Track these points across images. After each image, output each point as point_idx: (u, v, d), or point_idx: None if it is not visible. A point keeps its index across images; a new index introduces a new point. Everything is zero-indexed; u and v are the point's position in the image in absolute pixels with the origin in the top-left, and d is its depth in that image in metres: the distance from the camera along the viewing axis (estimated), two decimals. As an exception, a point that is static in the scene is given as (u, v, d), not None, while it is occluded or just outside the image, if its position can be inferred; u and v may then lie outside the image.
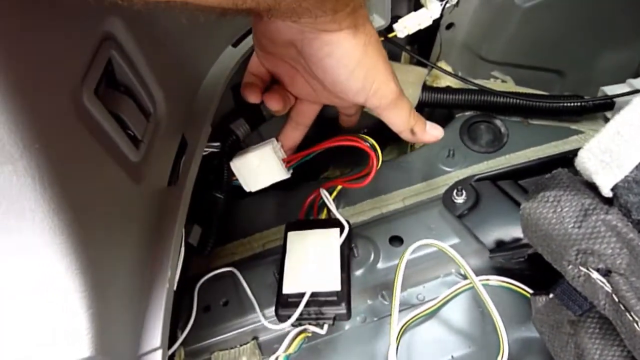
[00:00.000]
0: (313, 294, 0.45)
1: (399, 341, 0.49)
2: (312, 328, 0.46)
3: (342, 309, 0.45)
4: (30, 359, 0.30)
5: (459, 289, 0.52)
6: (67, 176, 0.29)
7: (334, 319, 0.45)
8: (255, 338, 0.52)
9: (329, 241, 0.49)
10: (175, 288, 0.44)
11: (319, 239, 0.50)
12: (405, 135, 0.43)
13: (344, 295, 0.46)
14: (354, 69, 0.37)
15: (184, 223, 0.42)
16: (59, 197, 0.28)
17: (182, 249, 0.44)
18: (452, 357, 0.49)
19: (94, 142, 0.32)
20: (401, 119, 0.41)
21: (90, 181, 0.33)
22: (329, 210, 0.55)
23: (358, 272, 0.53)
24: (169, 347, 0.43)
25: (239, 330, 0.51)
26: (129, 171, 0.36)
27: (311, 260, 0.48)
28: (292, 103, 0.47)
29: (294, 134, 0.50)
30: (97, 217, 0.33)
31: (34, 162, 0.26)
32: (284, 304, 0.46)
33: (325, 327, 0.46)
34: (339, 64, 0.36)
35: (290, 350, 0.46)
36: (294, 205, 0.59)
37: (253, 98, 0.43)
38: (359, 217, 0.59)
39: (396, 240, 0.55)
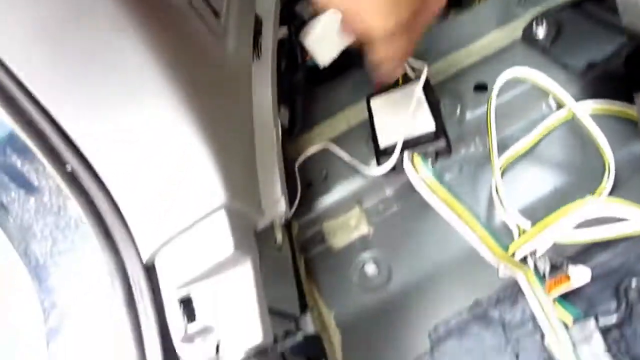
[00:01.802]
0: (410, 140, 0.46)
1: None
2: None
3: (441, 143, 0.46)
4: (177, 208, 0.34)
5: (555, 121, 0.51)
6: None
7: (437, 155, 0.47)
8: (359, 202, 0.54)
9: (412, 92, 0.50)
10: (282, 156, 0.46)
11: (402, 94, 0.51)
12: None
13: (441, 131, 0.47)
14: None
15: (276, 93, 0.43)
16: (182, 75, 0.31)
17: (279, 122, 0.46)
18: (554, 187, 0.49)
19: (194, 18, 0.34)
20: None
21: (195, 56, 0.35)
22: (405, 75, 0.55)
23: (448, 125, 0.53)
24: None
25: (343, 197, 0.53)
26: (215, 40, 0.38)
27: (400, 113, 0.49)
28: None
29: None
30: (207, 90, 0.35)
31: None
32: (384, 153, 0.47)
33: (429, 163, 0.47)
34: None
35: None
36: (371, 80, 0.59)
37: None
38: (437, 77, 0.59)
39: (481, 88, 0.54)
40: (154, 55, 0.32)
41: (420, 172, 0.33)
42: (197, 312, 0.34)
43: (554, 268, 0.39)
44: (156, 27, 0.33)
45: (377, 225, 0.53)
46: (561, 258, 0.38)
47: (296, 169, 0.54)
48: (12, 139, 0.42)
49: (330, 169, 0.55)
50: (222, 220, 0.34)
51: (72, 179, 0.34)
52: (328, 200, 0.54)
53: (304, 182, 0.55)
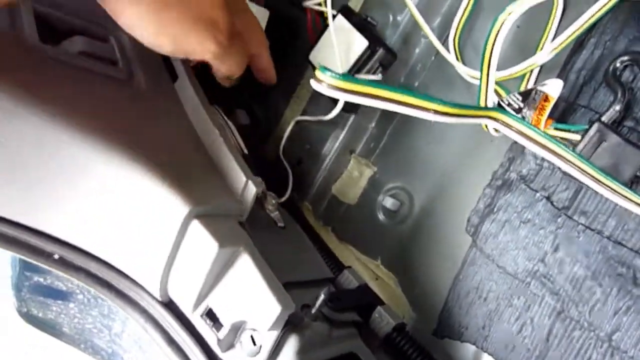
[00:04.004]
0: (353, 67, 0.46)
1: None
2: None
3: (379, 52, 0.47)
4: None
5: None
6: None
7: (383, 66, 0.48)
8: (352, 152, 0.54)
9: (333, 27, 0.49)
10: (246, 151, 0.47)
11: (327, 35, 0.51)
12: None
13: (376, 42, 0.47)
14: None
15: (205, 99, 0.44)
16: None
17: (226, 121, 0.47)
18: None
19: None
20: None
21: (109, 110, 0.38)
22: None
23: (389, 33, 0.52)
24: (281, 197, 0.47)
25: (334, 155, 0.53)
26: (125, 85, 0.40)
27: (335, 51, 0.49)
28: None
29: None
30: (133, 129, 0.38)
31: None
32: None
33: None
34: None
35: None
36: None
37: None
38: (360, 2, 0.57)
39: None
40: (72, 132, 0.35)
41: (324, 80, 0.31)
42: (220, 318, 0.35)
43: (526, 96, 0.36)
44: (64, 107, 0.35)
45: (378, 162, 0.52)
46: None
47: (281, 155, 0.54)
48: (23, 262, 0.46)
49: (311, 139, 0.55)
50: (197, 228, 0.35)
51: (65, 263, 0.37)
52: (323, 166, 0.54)
53: (293, 162, 0.55)
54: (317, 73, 0.31)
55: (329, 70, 0.31)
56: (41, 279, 0.48)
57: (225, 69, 0.42)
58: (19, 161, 0.35)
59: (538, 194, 0.38)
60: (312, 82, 0.32)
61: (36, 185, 0.36)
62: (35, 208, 0.36)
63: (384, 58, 0.47)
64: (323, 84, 0.32)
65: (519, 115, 0.35)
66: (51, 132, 0.34)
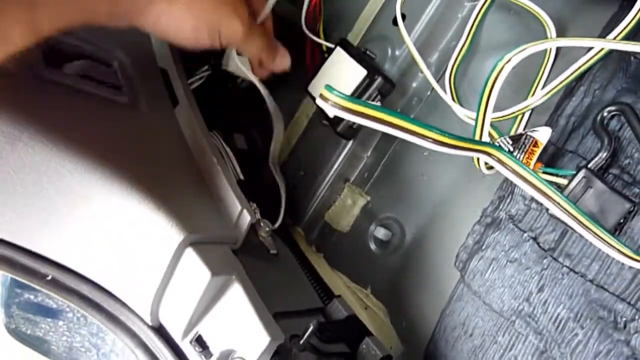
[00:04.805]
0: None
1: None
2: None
3: (378, 80, 0.48)
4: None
5: (481, 8, 0.50)
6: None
7: (382, 95, 0.49)
8: (346, 180, 0.54)
9: (332, 58, 0.51)
10: (242, 177, 0.48)
11: (326, 66, 0.52)
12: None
13: (374, 72, 0.49)
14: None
15: (204, 125, 0.45)
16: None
17: (223, 146, 0.48)
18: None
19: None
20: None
21: (112, 136, 0.38)
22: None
23: (388, 66, 0.53)
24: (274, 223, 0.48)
25: (329, 183, 0.54)
26: (128, 109, 0.41)
27: (333, 81, 0.50)
28: None
29: None
30: (133, 154, 0.38)
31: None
32: (338, 123, 0.50)
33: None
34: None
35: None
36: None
37: None
38: (359, 37, 0.58)
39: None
40: (73, 160, 0.36)
41: (330, 99, 0.32)
42: (210, 346, 0.35)
43: (516, 140, 0.37)
44: (65, 133, 0.36)
45: (371, 192, 0.53)
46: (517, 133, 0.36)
47: (277, 177, 0.55)
48: (13, 279, 0.46)
49: (306, 166, 0.56)
50: (191, 256, 0.36)
51: (57, 284, 0.37)
52: (317, 193, 0.55)
53: (287, 188, 0.56)
54: (324, 91, 0.32)
55: (335, 90, 0.32)
56: (32, 296, 0.48)
57: (256, 47, 0.44)
58: (19, 185, 0.36)
59: (525, 234, 0.39)
60: (319, 100, 0.33)
61: (34, 208, 0.37)
62: (32, 230, 0.37)
63: (382, 87, 0.49)
64: (329, 102, 0.33)
65: (510, 157, 0.37)
66: (53, 159, 0.35)
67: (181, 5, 0.36)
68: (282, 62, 0.48)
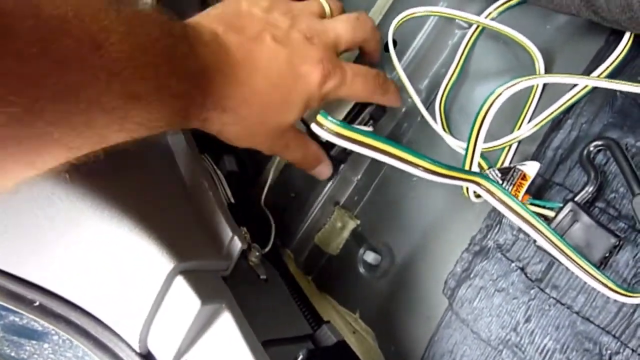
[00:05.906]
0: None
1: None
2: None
3: (368, 106, 0.49)
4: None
5: (471, 36, 0.51)
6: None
7: (374, 119, 0.50)
8: (336, 203, 0.55)
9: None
10: (232, 200, 0.48)
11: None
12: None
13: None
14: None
15: (196, 151, 0.45)
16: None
17: (219, 173, 0.48)
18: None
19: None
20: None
21: None
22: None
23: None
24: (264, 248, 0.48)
25: (319, 206, 0.54)
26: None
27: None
28: None
29: None
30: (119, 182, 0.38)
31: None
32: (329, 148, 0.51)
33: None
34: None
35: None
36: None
37: None
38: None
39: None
40: (62, 187, 0.35)
41: (325, 125, 0.33)
42: (197, 375, 0.35)
43: (505, 172, 0.38)
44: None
45: (361, 215, 0.53)
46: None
47: (262, 204, 0.55)
48: (-1, 302, 0.45)
49: (297, 188, 0.56)
50: (181, 284, 0.35)
51: (44, 310, 0.37)
52: (307, 216, 0.55)
53: (278, 210, 0.56)
54: (319, 118, 0.33)
55: (330, 116, 0.33)
56: (17, 319, 0.48)
57: (357, 87, 0.46)
58: (8, 212, 0.36)
59: (513, 264, 0.40)
60: (313, 126, 0.34)
61: (22, 234, 0.36)
62: (19, 256, 0.36)
63: (374, 112, 0.49)
64: (324, 128, 0.34)
65: (499, 189, 0.37)
66: (42, 186, 0.35)
67: (239, 131, 0.43)
68: (321, 172, 0.52)
